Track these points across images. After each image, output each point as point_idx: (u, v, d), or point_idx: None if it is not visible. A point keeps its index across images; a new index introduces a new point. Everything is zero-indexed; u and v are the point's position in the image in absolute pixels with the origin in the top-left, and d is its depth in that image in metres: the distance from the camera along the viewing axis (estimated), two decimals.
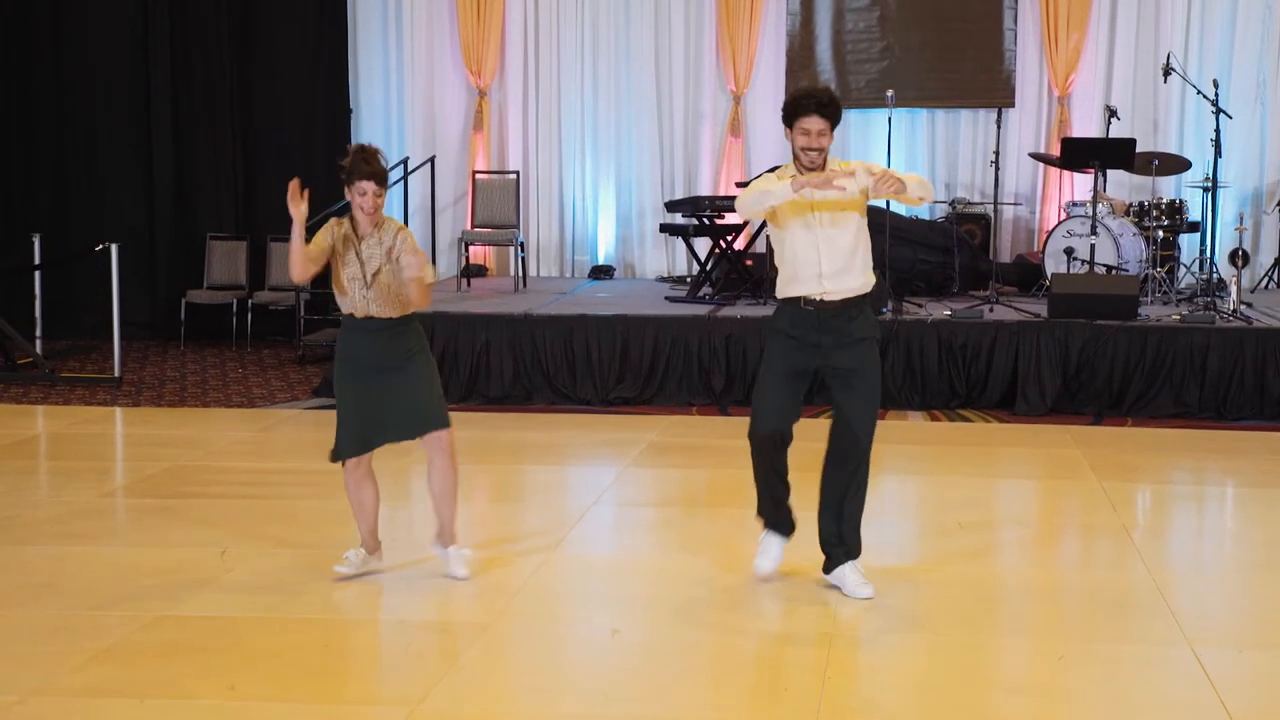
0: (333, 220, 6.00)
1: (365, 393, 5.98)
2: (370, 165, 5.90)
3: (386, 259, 5.91)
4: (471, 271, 13.06)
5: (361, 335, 5.99)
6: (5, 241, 13.18)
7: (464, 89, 13.94)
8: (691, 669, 5.28)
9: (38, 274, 12.50)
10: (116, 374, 11.40)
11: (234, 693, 4.94)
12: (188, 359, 12.69)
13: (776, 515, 6.03)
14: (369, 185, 5.88)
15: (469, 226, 13.38)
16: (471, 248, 13.25)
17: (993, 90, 13.16)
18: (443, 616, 5.78)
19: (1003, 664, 5.45)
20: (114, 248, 11.47)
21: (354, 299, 5.97)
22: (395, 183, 13.01)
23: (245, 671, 5.08)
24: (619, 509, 7.73)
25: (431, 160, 13.30)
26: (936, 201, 13.15)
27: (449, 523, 6.17)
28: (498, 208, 13.14)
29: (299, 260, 5.91)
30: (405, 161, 13.18)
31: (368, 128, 13.99)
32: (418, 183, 13.36)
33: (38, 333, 12.43)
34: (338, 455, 6.06)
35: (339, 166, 5.96)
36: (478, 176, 13.44)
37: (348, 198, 5.95)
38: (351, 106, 13.91)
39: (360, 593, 6.04)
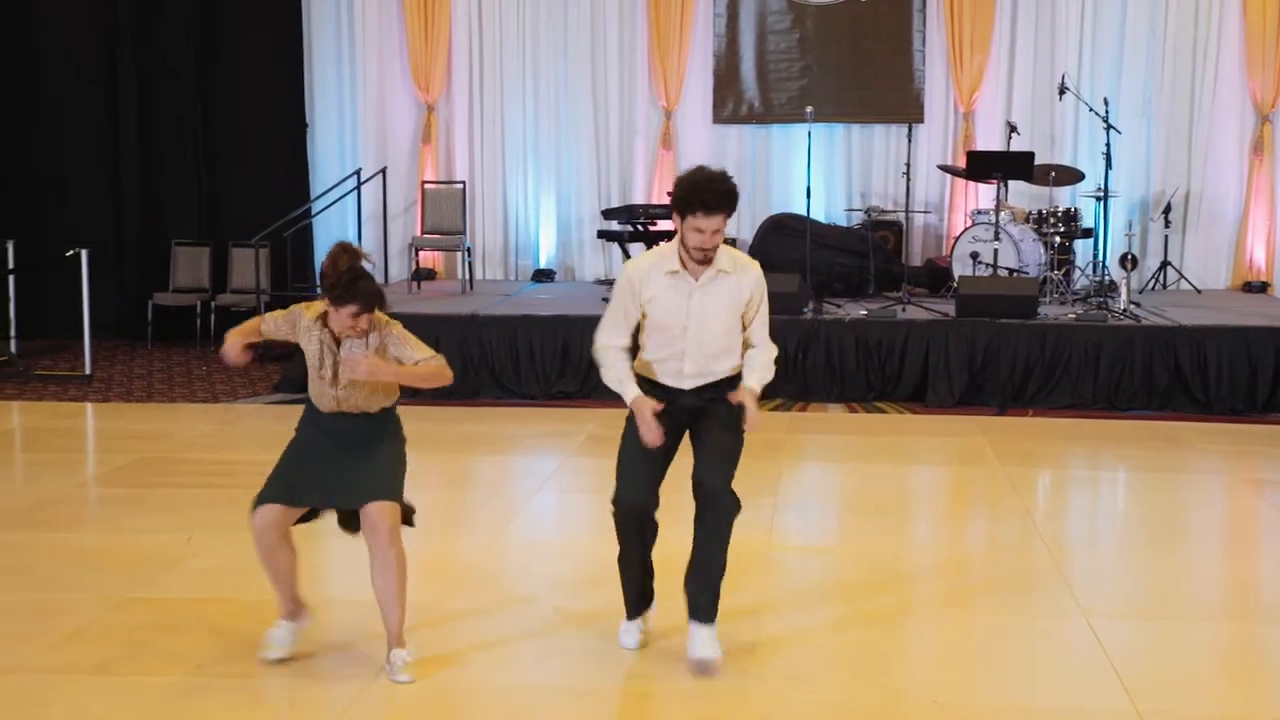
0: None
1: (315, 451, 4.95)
2: (362, 286, 4.70)
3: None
4: (421, 275, 13.01)
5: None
6: None
7: (413, 104, 13.86)
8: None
9: (11, 278, 12.33)
10: (88, 371, 11.27)
11: (200, 670, 4.90)
12: (155, 357, 12.55)
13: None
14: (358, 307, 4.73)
15: (419, 233, 13.32)
16: (421, 253, 13.18)
17: (903, 107, 13.24)
18: None
19: (913, 635, 5.49)
20: (84, 253, 11.36)
21: (321, 395, 4.93)
22: (349, 193, 12.95)
23: (210, 650, 5.04)
24: (562, 495, 7.73)
25: (383, 171, 13.22)
26: (853, 209, 13.24)
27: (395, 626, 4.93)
28: (445, 216, 13.10)
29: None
30: (358, 173, 13.10)
31: (323, 141, 13.89)
32: (370, 192, 13.28)
33: (12, 333, 12.26)
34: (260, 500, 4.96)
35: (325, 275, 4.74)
36: (426, 186, 13.38)
37: (332, 310, 4.76)
38: (308, 121, 13.80)
39: (318, 574, 5.98)
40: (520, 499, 7.57)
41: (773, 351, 4.98)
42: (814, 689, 4.82)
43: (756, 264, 5.00)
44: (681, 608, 4.97)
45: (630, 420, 4.98)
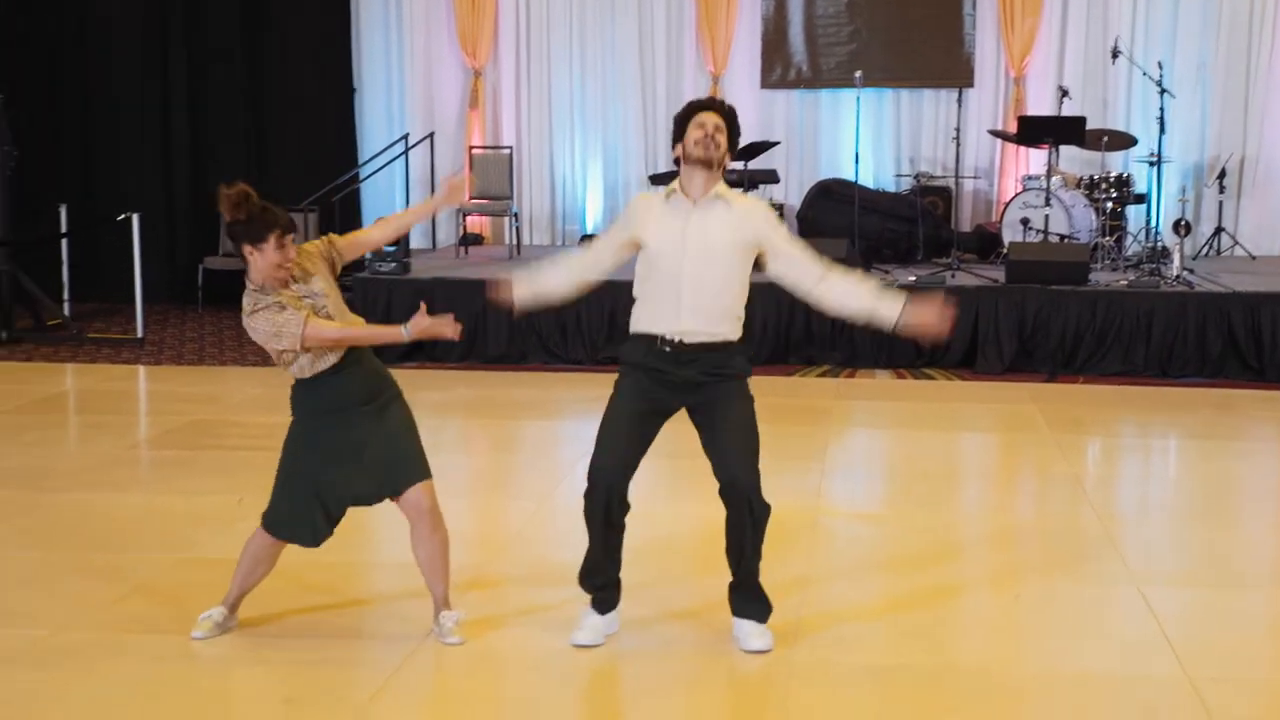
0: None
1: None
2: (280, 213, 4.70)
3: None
4: (469, 240, 13.02)
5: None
6: (34, 211, 13.07)
7: (460, 69, 13.84)
8: (677, 600, 5.27)
9: (65, 242, 12.43)
10: (139, 335, 11.36)
11: (250, 629, 4.94)
12: (205, 321, 12.64)
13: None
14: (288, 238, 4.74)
15: (466, 198, 13.33)
16: (468, 218, 13.20)
17: (953, 71, 13.10)
18: None
19: (961, 602, 5.46)
20: (135, 217, 11.44)
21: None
22: (397, 158, 12.96)
23: (259, 610, 5.07)
24: None
25: (430, 136, 13.23)
26: (902, 175, 13.13)
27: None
28: (493, 181, 13.09)
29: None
30: (406, 138, 13.10)
31: (370, 106, 13.90)
32: (417, 158, 13.29)
33: (66, 296, 12.37)
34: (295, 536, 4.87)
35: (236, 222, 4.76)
36: (474, 151, 13.37)
37: (254, 256, 4.80)
38: (355, 86, 13.82)
39: (365, 538, 6.01)
40: (566, 463, 7.57)
41: (850, 269, 4.64)
42: (861, 654, 4.80)
43: (761, 201, 4.70)
44: (713, 582, 4.94)
45: (614, 391, 4.83)
